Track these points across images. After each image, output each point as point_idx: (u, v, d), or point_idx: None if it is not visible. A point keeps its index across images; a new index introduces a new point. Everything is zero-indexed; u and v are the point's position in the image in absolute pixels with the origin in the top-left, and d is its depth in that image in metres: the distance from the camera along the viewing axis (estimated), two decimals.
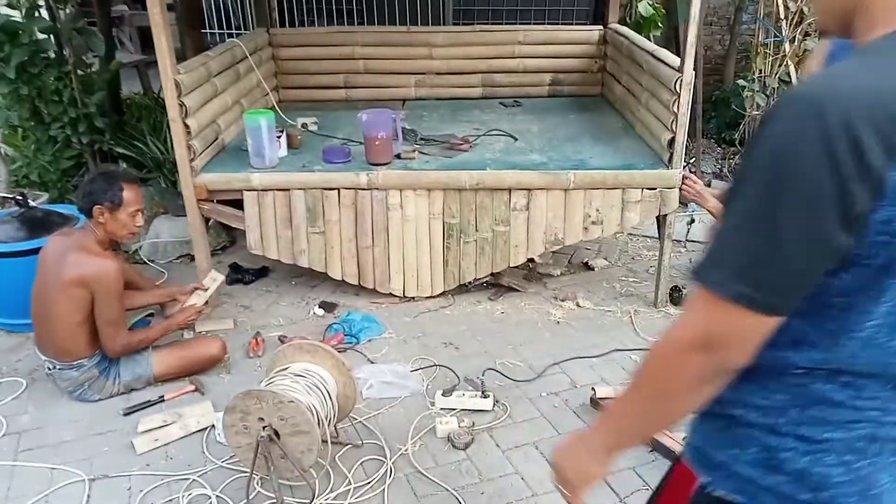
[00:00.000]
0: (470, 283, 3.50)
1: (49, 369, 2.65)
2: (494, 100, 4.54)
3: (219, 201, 3.30)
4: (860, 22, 0.84)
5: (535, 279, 3.72)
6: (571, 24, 5.39)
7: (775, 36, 4.41)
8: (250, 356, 3.01)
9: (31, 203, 3.28)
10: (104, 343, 2.59)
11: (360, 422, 2.55)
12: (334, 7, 5.99)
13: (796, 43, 4.32)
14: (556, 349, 3.04)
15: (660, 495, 1.24)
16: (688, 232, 3.97)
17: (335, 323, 3.19)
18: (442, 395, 2.66)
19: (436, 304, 3.43)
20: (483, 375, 2.77)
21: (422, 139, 3.60)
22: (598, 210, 3.23)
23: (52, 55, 3.71)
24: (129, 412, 2.64)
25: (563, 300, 3.48)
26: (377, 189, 3.21)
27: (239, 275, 3.71)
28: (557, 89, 4.66)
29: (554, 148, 3.50)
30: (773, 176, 0.75)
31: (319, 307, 3.40)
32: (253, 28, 4.72)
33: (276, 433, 2.05)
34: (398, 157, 3.34)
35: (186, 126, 3.07)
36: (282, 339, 3.06)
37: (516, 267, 3.55)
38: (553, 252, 3.78)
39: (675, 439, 2.39)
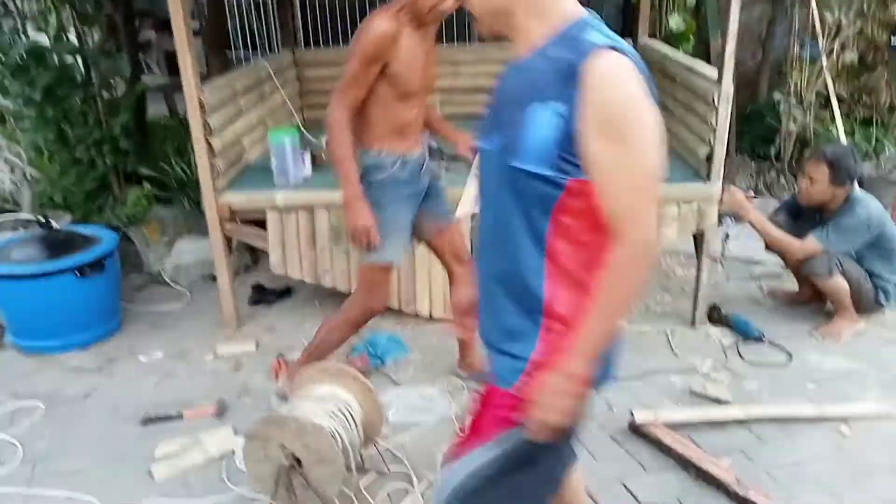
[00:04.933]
0: None
1: None
2: None
3: (242, 221, 3.24)
4: None
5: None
6: None
7: (811, 48, 4.28)
8: (273, 380, 2.91)
9: (54, 225, 3.25)
10: None
11: (386, 449, 2.43)
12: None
13: (833, 55, 4.18)
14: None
15: None
16: (723, 249, 3.81)
17: (359, 344, 3.09)
18: None
19: None
20: None
21: (449, 156, 3.51)
22: None
23: (79, 78, 3.70)
24: (147, 421, 2.58)
25: None
26: None
27: (262, 295, 3.64)
28: None
29: None
30: None
31: None
32: (278, 49, 4.71)
33: (299, 461, 1.95)
34: None
35: (210, 145, 3.02)
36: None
37: None
38: None
39: (722, 467, 2.23)
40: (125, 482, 2.33)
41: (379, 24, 2.12)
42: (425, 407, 2.64)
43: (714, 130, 2.91)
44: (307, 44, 6.11)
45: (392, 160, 2.31)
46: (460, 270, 2.60)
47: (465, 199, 2.52)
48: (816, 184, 2.99)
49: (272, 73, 3.89)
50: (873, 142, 4.55)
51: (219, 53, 4.53)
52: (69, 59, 3.69)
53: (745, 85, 5.22)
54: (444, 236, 2.59)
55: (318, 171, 3.39)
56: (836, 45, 4.19)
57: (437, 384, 2.83)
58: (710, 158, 2.98)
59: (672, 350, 3.06)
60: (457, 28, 5.92)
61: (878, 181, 4.48)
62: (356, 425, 2.12)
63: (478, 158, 1.33)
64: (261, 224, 3.22)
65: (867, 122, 4.58)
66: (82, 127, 3.65)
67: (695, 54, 5.11)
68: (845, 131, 4.43)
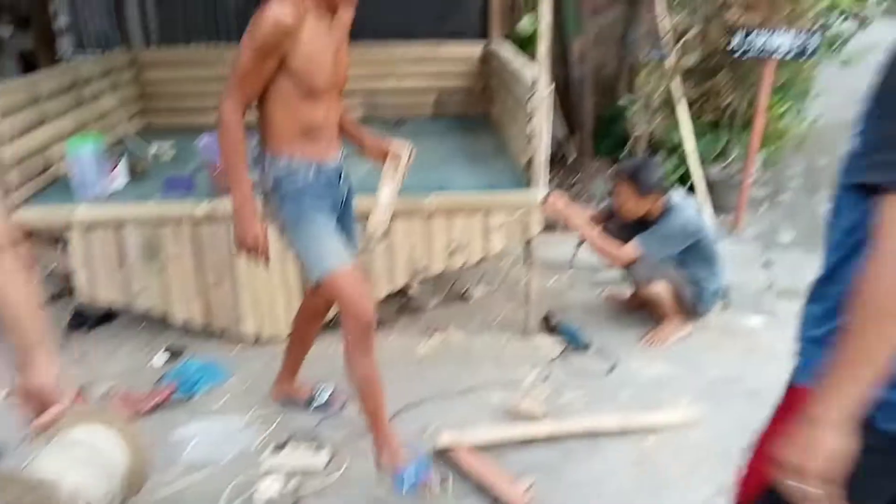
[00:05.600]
0: (332, 319, 3.25)
1: None
2: (378, 121, 4.33)
3: (48, 240, 2.98)
4: None
5: (408, 311, 3.50)
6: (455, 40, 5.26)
7: (658, 53, 4.35)
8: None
9: None
10: None
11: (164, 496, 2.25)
12: (215, 26, 5.67)
13: (676, 58, 4.26)
14: (414, 389, 2.81)
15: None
16: (574, 255, 3.81)
17: (170, 372, 2.89)
18: (273, 451, 2.39)
19: None
20: (318, 425, 2.51)
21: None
22: (460, 236, 3.04)
23: None
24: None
25: (432, 334, 3.26)
26: (219, 220, 2.94)
27: (80, 320, 3.36)
28: (442, 109, 4.49)
29: (422, 171, 3.27)
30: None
31: (166, 352, 3.09)
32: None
33: None
34: None
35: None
36: (109, 397, 2.75)
37: (393, 296, 3.32)
38: (433, 281, 3.58)
39: (520, 490, 2.18)
40: None
41: (276, 11, 1.88)
42: (227, 440, 2.48)
43: (531, 137, 2.87)
44: (164, 41, 5.75)
45: (305, 167, 2.09)
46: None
47: (379, 210, 2.35)
48: (625, 200, 3.02)
49: (92, 74, 3.61)
50: (720, 145, 4.68)
51: (48, 53, 4.18)
52: None
53: (608, 89, 5.30)
54: None
55: (135, 183, 3.16)
56: (679, 49, 4.27)
57: (249, 413, 2.67)
58: (530, 164, 2.94)
59: (500, 363, 3.02)
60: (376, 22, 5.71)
61: (724, 184, 4.62)
62: (114, 476, 1.93)
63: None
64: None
65: (715, 125, 4.71)
66: None
67: (554, 56, 5.14)
68: (694, 134, 4.54)
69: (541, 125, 2.84)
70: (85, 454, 1.86)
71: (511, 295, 3.64)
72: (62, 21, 5.78)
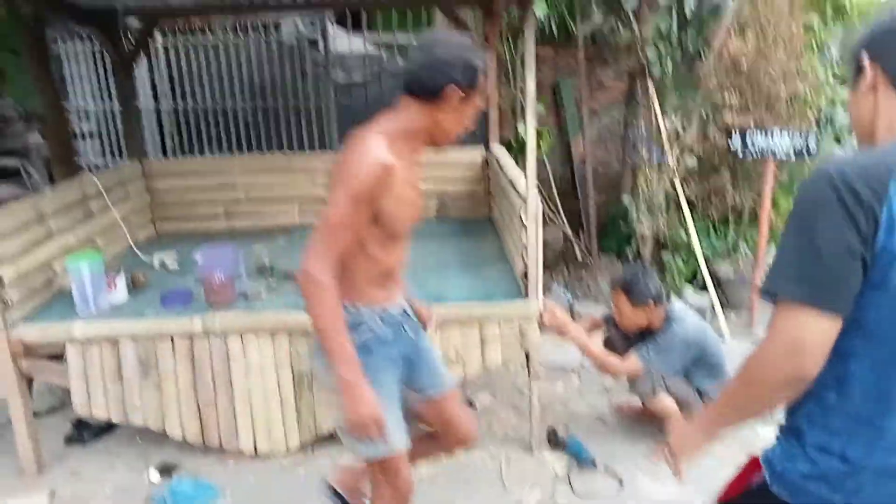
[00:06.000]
0: (334, 433, 3.16)
1: None
2: None
3: (48, 356, 2.98)
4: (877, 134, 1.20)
5: (408, 422, 3.39)
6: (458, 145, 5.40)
7: (657, 153, 4.40)
8: None
9: None
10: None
11: None
12: (224, 136, 5.91)
13: (675, 160, 4.29)
14: None
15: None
16: (582, 359, 3.73)
17: (160, 494, 2.80)
18: None
19: (290, 461, 3.07)
20: None
21: (279, 275, 3.37)
22: (457, 347, 2.98)
23: None
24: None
25: None
26: (215, 335, 2.93)
27: (78, 433, 3.31)
28: (445, 213, 4.54)
29: (418, 279, 3.26)
30: (805, 212, 1.10)
31: (158, 469, 3.02)
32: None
33: None
34: (245, 297, 3.09)
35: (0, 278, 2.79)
36: None
37: None
38: None
39: None
40: None
41: (377, 155, 1.66)
42: None
43: (526, 248, 2.86)
44: (165, 153, 5.96)
45: (372, 315, 1.85)
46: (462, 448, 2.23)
47: None
48: (622, 311, 2.96)
49: (102, 189, 3.72)
50: (729, 242, 4.64)
51: (65, 167, 4.32)
52: None
53: (611, 186, 5.35)
54: (436, 408, 2.15)
55: (135, 296, 3.18)
56: (677, 150, 4.31)
57: None
58: (526, 275, 2.92)
59: (503, 482, 2.89)
60: (318, 136, 5.93)
61: (735, 281, 4.55)
62: None
63: None
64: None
65: (722, 222, 4.69)
66: None
67: (561, 157, 5.23)
68: (700, 232, 4.52)
69: (534, 236, 2.83)
70: None
71: (516, 403, 3.54)
72: (84, 128, 6.06)
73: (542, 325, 2.93)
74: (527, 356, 3.02)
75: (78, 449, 3.25)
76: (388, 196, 1.70)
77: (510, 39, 4.96)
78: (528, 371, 3.05)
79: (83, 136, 6.30)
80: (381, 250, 1.81)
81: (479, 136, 4.58)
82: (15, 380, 2.93)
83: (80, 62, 5.82)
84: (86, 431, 3.32)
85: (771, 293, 1.12)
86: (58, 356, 2.98)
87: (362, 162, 1.66)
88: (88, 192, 3.64)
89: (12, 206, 3.03)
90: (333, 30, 5.84)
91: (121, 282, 3.12)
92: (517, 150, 4.47)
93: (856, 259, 1.06)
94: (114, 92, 5.78)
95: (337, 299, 1.70)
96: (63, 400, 3.54)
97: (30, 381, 3.04)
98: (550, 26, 4.91)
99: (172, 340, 2.92)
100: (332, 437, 3.17)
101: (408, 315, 2.00)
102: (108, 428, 3.36)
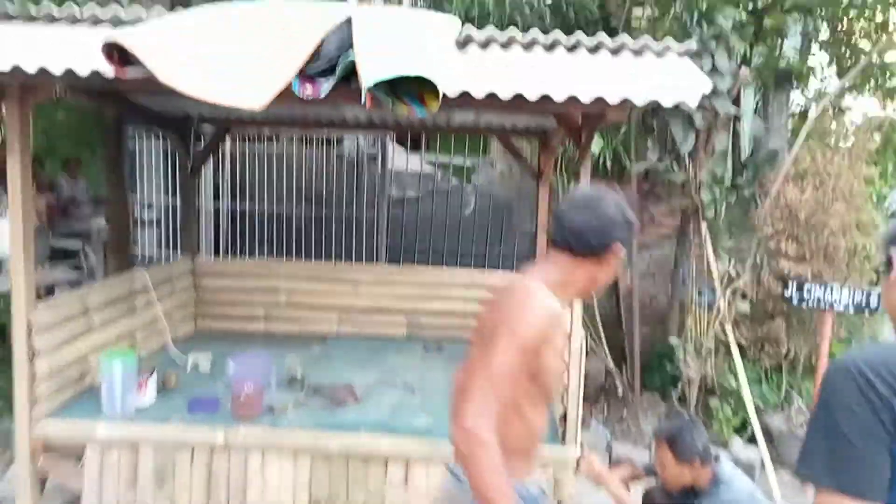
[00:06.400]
0: None
1: None
2: (420, 341, 4.31)
3: (64, 455, 2.92)
4: None
5: None
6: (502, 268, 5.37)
7: (708, 295, 4.27)
8: None
9: None
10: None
11: None
12: (276, 240, 6.05)
13: (726, 303, 4.15)
14: None
15: None
16: None
17: None
18: None
19: None
20: None
21: (308, 390, 3.29)
22: None
23: None
24: None
25: None
26: (235, 450, 2.83)
27: None
28: None
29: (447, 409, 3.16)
30: (831, 404, 1.16)
31: None
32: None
33: None
34: (272, 410, 3.01)
35: (33, 371, 2.80)
36: None
37: None
38: None
39: None
40: None
41: (549, 304, 1.57)
42: None
43: (566, 389, 2.73)
44: (219, 251, 6.11)
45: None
46: None
47: None
48: (665, 466, 2.75)
49: (150, 286, 3.78)
50: (782, 392, 4.39)
51: (118, 253, 4.46)
52: None
53: (658, 322, 5.19)
54: None
55: (164, 398, 3.13)
56: (729, 294, 4.18)
57: None
58: (565, 418, 2.77)
59: None
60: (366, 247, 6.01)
61: (787, 436, 4.25)
62: None
63: None
64: None
65: (776, 371, 4.45)
66: None
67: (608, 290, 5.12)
68: (751, 380, 4.29)
69: (577, 377, 2.71)
70: None
71: None
72: (146, 217, 6.30)
73: (580, 474, 2.74)
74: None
75: None
76: (551, 348, 1.58)
77: (564, 171, 5.03)
78: None
79: (144, 225, 6.56)
80: (533, 410, 1.64)
81: (528, 256, 4.58)
82: (29, 480, 2.86)
83: (151, 157, 6.14)
84: None
85: (807, 478, 1.19)
86: (76, 454, 2.92)
87: (534, 309, 1.55)
88: (136, 288, 3.70)
89: (59, 298, 3.10)
90: (392, 148, 6.06)
91: (152, 383, 3.09)
92: None
93: (883, 447, 1.12)
94: (178, 188, 6.04)
95: (499, 459, 1.47)
96: (72, 502, 3.44)
97: (44, 480, 2.97)
98: (605, 160, 4.97)
99: (192, 451, 2.84)
100: None
101: (544, 493, 1.78)
102: None
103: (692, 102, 2.41)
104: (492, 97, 2.38)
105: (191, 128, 4.43)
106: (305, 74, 2.22)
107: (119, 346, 3.41)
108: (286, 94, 2.19)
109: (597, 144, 4.79)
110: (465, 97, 2.38)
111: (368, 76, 2.06)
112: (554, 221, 1.72)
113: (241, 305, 4.48)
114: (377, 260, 5.68)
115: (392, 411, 3.09)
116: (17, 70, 2.37)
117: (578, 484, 2.78)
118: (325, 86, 2.23)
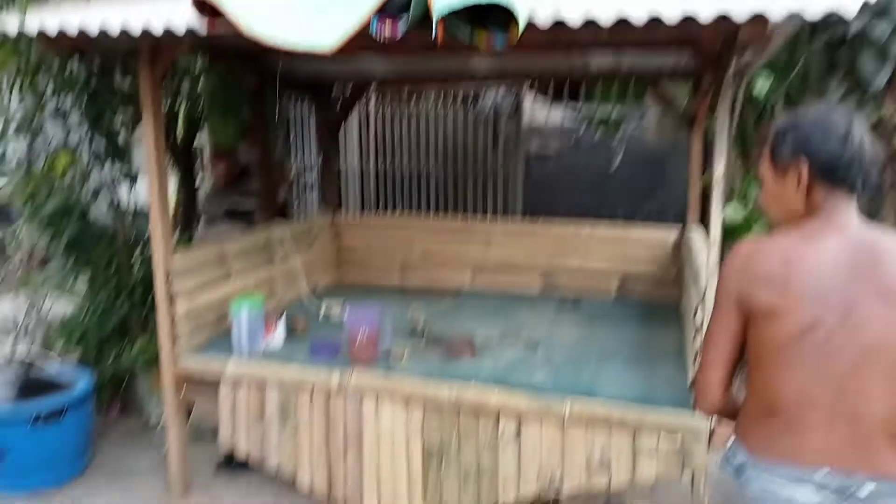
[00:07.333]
0: None
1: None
2: (555, 298, 4.12)
3: (207, 387, 3.15)
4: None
5: None
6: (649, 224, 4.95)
7: None
8: None
9: (34, 369, 3.38)
10: None
11: None
12: (416, 197, 6.11)
13: None
14: None
15: None
16: None
17: None
18: None
19: None
20: None
21: (429, 339, 3.25)
22: (602, 453, 2.59)
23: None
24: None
25: None
26: (350, 393, 2.86)
27: (228, 464, 3.44)
28: (627, 293, 4.14)
29: (573, 365, 2.96)
30: None
31: None
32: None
33: None
34: (388, 357, 3.01)
35: (173, 310, 3.02)
36: None
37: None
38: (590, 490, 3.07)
39: None
40: None
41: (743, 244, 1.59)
42: None
43: (697, 355, 2.41)
44: (377, 208, 6.29)
45: (779, 476, 1.44)
46: None
47: None
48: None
49: (288, 238, 3.94)
50: None
51: (269, 208, 4.71)
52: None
53: None
54: None
55: (292, 342, 3.25)
56: None
57: None
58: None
59: None
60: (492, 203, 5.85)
61: None
62: None
63: None
64: None
65: None
66: (103, 274, 3.86)
67: None
68: None
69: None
70: None
71: None
72: (308, 180, 6.65)
73: (713, 448, 2.44)
74: (692, 478, 2.53)
75: (224, 478, 3.37)
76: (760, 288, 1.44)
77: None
78: (693, 495, 2.54)
79: (305, 189, 6.95)
80: (772, 371, 1.45)
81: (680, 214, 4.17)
82: (175, 406, 3.12)
83: (307, 122, 6.44)
84: (235, 463, 3.43)
85: None
86: (213, 389, 3.13)
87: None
88: (275, 239, 3.88)
89: (196, 247, 3.31)
90: (532, 101, 5.83)
91: (280, 327, 3.22)
92: (725, 234, 3.95)
93: None
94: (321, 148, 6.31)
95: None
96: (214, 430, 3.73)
97: (190, 409, 3.23)
98: (772, 106, 4.36)
99: (312, 392, 2.92)
100: None
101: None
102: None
103: (849, 12, 1.95)
104: (621, 24, 2.12)
105: (329, 89, 4.55)
106: (384, 11, 2.11)
107: (255, 293, 3.61)
108: (363, 39, 2.11)
109: (761, 86, 4.21)
110: (591, 27, 2.14)
111: (440, 4, 1.91)
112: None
113: (378, 259, 4.56)
114: (514, 213, 5.53)
115: (509, 366, 2.96)
116: (146, 34, 2.51)
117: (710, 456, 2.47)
118: (402, 24, 2.10)
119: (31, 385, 3.26)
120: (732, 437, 1.57)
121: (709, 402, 1.59)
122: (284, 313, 3.30)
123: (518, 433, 2.68)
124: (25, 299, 3.93)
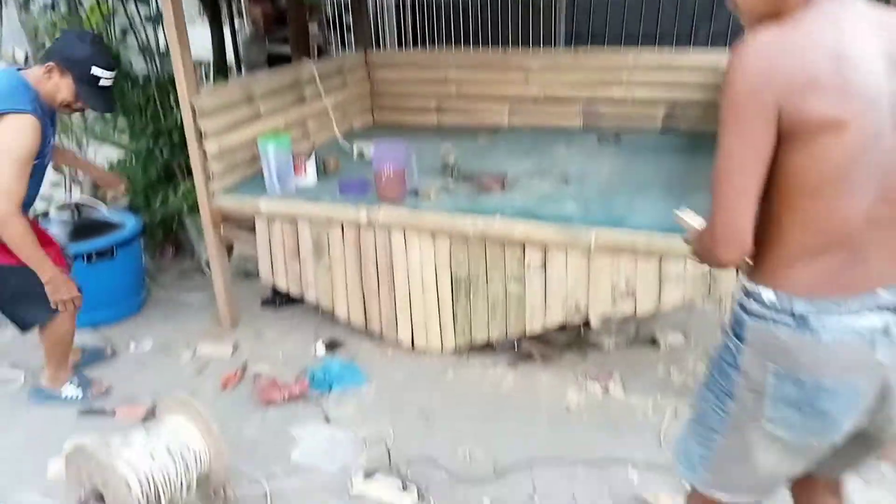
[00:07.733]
0: (490, 342, 3.01)
1: None
2: (596, 132, 3.95)
3: (245, 226, 3.25)
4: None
5: (579, 348, 3.11)
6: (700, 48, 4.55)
7: None
8: (221, 390, 2.88)
9: (86, 211, 3.54)
10: None
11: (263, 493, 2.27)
12: (454, 29, 5.77)
13: None
14: (543, 445, 2.46)
15: None
16: None
17: (311, 368, 2.94)
18: (364, 477, 2.27)
19: (442, 364, 3.02)
20: (409, 466, 2.32)
21: (459, 176, 3.20)
22: (628, 280, 2.58)
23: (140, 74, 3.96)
24: (83, 413, 2.73)
25: (591, 382, 2.85)
26: (378, 228, 2.90)
27: (274, 298, 3.63)
28: (673, 124, 3.93)
29: (605, 198, 2.88)
30: None
31: (325, 344, 3.19)
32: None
33: (102, 498, 1.86)
34: (416, 194, 3.00)
35: (204, 148, 3.05)
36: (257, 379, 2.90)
37: (563, 329, 3.01)
38: (620, 316, 3.10)
39: None
40: (20, 469, 2.42)
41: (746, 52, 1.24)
42: (331, 451, 2.43)
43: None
44: (414, 43, 6.01)
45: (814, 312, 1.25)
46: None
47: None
48: None
49: (316, 76, 3.84)
50: None
51: (302, 48, 4.57)
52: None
53: None
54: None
55: (324, 181, 3.26)
56: None
57: (362, 428, 2.58)
58: None
59: (659, 438, 2.50)
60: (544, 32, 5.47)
61: None
62: (190, 469, 1.98)
63: None
64: None
65: None
66: (139, 120, 3.90)
67: None
68: None
69: None
70: (165, 447, 1.91)
71: (709, 350, 3.03)
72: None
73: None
74: (720, 302, 2.51)
75: (269, 313, 3.57)
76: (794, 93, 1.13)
77: None
78: (721, 319, 2.54)
79: (344, 30, 6.70)
80: (833, 198, 1.19)
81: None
82: (216, 243, 3.25)
83: None
84: (279, 298, 3.61)
85: None
86: (249, 226, 3.23)
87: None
88: (303, 78, 3.78)
89: (221, 86, 3.26)
90: None
91: (311, 166, 3.22)
92: None
93: None
94: None
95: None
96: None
97: (230, 248, 3.37)
98: None
99: (342, 228, 2.97)
100: (486, 347, 3.04)
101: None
102: (295, 298, 3.63)
103: None
104: None
105: None
106: None
107: (287, 133, 3.58)
108: None
109: None
110: None
111: None
112: None
113: (413, 98, 4.43)
114: (555, 44, 5.20)
115: (539, 200, 2.90)
116: None
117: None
118: None
119: (84, 226, 3.43)
120: (755, 285, 1.28)
121: (741, 250, 1.23)
122: (314, 152, 3.29)
123: (544, 263, 2.69)
124: (69, 148, 4.04)
